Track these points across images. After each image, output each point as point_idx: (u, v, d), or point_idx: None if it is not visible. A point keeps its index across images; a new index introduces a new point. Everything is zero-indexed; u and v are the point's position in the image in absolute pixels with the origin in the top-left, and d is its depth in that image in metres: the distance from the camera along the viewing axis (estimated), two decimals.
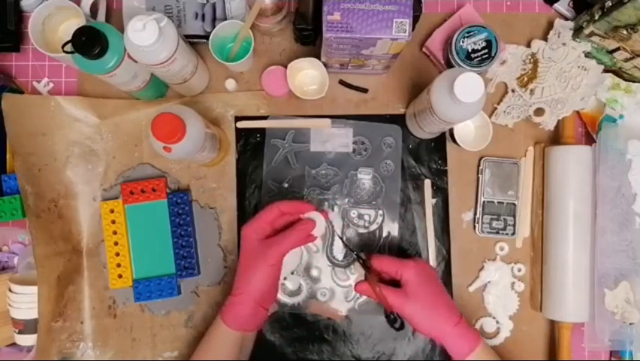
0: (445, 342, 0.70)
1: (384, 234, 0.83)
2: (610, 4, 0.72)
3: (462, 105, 0.64)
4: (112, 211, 0.80)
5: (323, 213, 0.72)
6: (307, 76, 0.82)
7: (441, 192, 0.84)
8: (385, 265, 0.72)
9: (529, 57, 0.82)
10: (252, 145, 0.84)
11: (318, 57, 0.78)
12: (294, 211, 0.71)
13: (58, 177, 0.81)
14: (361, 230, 0.83)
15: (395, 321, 0.74)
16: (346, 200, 0.83)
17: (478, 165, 0.83)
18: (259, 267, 0.68)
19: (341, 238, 0.76)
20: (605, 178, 0.79)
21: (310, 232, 0.71)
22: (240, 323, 0.69)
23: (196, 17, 0.80)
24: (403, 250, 0.83)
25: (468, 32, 0.77)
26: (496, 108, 0.84)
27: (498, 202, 0.83)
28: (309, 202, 0.77)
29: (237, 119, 0.83)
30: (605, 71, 0.82)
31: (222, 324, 0.69)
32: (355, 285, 0.75)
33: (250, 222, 0.70)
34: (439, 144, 0.84)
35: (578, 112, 0.83)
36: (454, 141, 0.81)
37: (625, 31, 0.74)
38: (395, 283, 0.72)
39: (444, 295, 0.73)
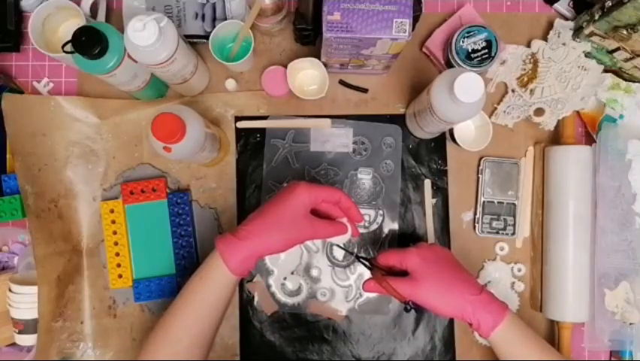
0: (467, 319, 0.65)
1: (385, 234, 0.83)
2: (610, 4, 0.72)
3: (462, 105, 0.64)
4: (112, 211, 0.80)
5: (355, 232, 0.70)
6: (307, 76, 0.82)
7: (441, 192, 0.84)
8: (390, 259, 0.70)
9: (529, 57, 0.82)
10: (252, 145, 0.84)
11: (318, 57, 0.78)
12: (344, 209, 0.68)
13: (58, 177, 0.81)
14: (361, 230, 0.83)
15: (411, 310, 0.69)
16: None
17: (478, 165, 0.83)
18: (289, 231, 0.64)
19: (339, 245, 0.75)
20: (605, 178, 0.79)
21: (340, 235, 0.69)
22: (242, 270, 0.64)
23: (196, 17, 0.80)
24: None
25: (468, 32, 0.77)
26: (496, 108, 0.84)
27: (498, 202, 0.82)
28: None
29: (237, 119, 0.83)
30: (605, 71, 0.82)
31: (224, 266, 0.63)
32: (363, 284, 0.72)
33: (309, 185, 0.65)
34: (439, 144, 0.84)
35: (578, 112, 0.83)
36: (454, 141, 0.81)
37: (625, 31, 0.74)
38: (405, 276, 0.69)
39: (457, 271, 0.69)
